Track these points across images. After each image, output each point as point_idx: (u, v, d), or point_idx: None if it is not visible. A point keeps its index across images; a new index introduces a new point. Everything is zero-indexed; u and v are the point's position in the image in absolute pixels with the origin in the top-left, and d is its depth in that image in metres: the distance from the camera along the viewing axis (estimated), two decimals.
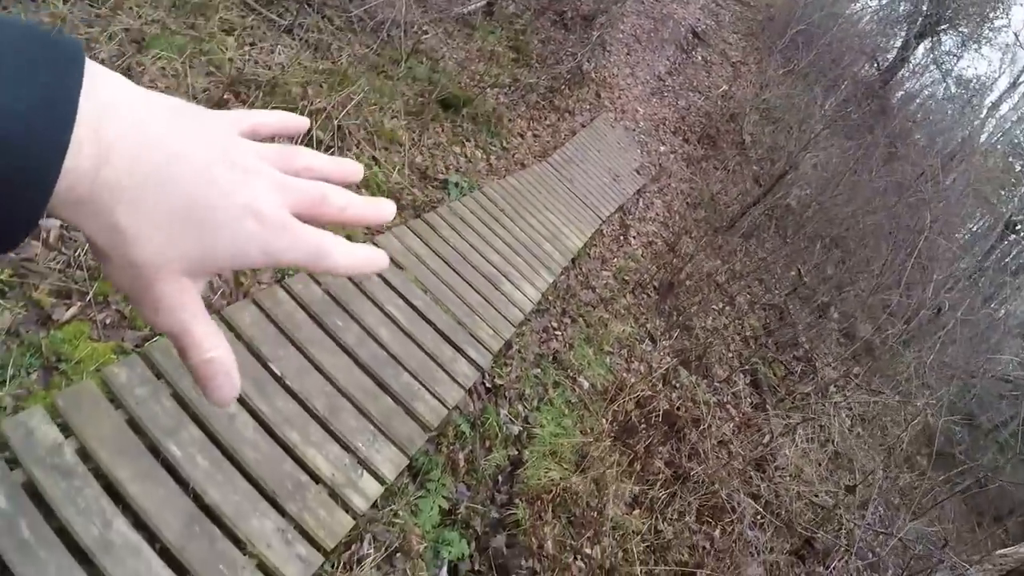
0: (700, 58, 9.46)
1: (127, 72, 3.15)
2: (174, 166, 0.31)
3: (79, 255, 2.40)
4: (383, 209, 0.41)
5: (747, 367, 5.21)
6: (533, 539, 2.86)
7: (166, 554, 1.78)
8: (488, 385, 3.14)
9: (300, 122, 0.45)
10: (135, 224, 0.30)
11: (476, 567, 2.67)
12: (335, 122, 3.83)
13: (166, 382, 2.11)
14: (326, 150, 3.69)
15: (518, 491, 2.97)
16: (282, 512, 2.07)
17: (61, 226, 2.53)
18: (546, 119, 5.69)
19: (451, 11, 5.74)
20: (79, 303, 2.30)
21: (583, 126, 6.04)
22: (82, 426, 1.86)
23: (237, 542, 1.93)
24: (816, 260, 6.97)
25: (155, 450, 1.97)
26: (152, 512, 1.82)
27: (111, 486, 1.81)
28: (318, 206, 0.37)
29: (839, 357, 6.31)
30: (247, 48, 4.00)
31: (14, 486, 1.67)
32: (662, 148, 7.11)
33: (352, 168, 0.43)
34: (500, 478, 2.98)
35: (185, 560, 1.80)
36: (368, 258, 0.39)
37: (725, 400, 4.75)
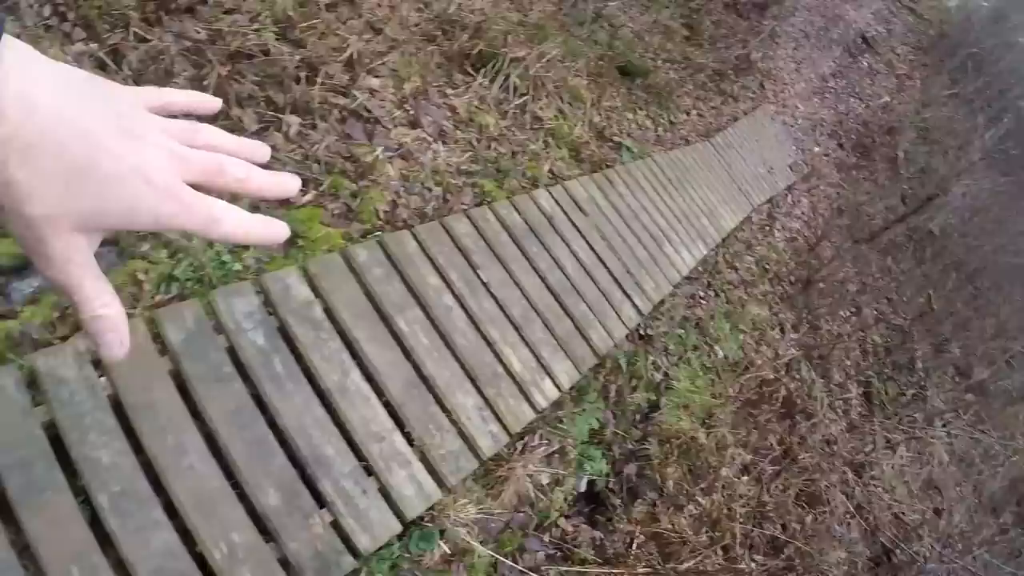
0: (866, 64, 9.11)
1: (348, 2, 3.56)
2: (66, 127, 0.31)
3: (315, 149, 2.69)
4: (286, 184, 0.41)
5: (862, 378, 5.28)
6: (659, 475, 3.18)
7: (389, 407, 2.07)
8: (641, 333, 3.45)
9: (211, 102, 0.44)
10: (27, 180, 0.30)
11: (610, 486, 3.01)
12: (531, 72, 4.14)
13: (397, 269, 2.42)
14: (520, 97, 4.02)
15: (652, 431, 3.28)
16: (481, 394, 2.37)
17: (300, 123, 2.95)
18: (711, 101, 5.80)
19: None
20: (313, 191, 2.58)
21: (745, 114, 6.11)
22: (329, 290, 2.14)
23: (444, 410, 2.23)
24: (948, 291, 6.80)
25: (386, 321, 2.26)
26: (381, 371, 2.11)
27: (350, 344, 2.10)
28: (215, 176, 0.37)
29: (952, 391, 6.22)
30: None
31: (271, 329, 1.94)
32: (816, 149, 7.05)
33: (257, 149, 0.43)
34: (639, 416, 3.30)
35: (404, 415, 2.09)
36: (262, 229, 0.39)
37: (835, 403, 4.87)
